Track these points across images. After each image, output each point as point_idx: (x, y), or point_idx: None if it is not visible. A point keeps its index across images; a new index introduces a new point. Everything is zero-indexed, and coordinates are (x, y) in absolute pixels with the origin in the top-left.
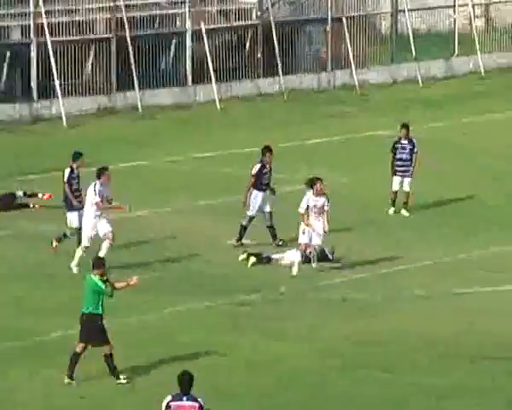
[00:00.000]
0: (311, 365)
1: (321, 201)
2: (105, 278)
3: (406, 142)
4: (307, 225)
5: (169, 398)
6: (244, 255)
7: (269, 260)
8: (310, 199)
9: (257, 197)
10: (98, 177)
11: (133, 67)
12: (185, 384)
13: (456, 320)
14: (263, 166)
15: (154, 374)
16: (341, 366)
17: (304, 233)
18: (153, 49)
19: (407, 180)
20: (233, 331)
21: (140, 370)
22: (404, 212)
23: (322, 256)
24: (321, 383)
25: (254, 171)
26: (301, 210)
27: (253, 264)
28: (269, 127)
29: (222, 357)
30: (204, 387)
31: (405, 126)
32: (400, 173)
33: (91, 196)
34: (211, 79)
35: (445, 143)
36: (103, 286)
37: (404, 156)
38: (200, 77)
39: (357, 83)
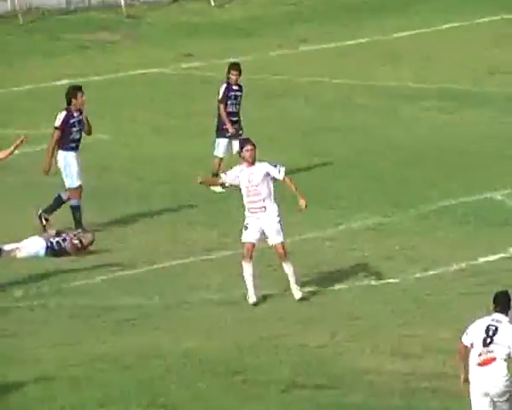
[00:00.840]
0: (49, 400)
1: (262, 169)
2: None
3: (237, 88)
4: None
5: None
6: None
7: None
8: (242, 172)
9: (66, 158)
10: None
11: None
12: None
13: (256, 333)
14: (70, 115)
15: None
16: (99, 400)
17: (247, 228)
18: None
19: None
20: None
21: None
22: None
23: (60, 248)
24: None
25: (58, 122)
26: (225, 178)
27: None
28: None
29: None
30: None
31: (237, 67)
32: (229, 133)
33: None
34: None
35: (248, 85)
36: None
37: (235, 108)
38: None
39: (123, 0)
